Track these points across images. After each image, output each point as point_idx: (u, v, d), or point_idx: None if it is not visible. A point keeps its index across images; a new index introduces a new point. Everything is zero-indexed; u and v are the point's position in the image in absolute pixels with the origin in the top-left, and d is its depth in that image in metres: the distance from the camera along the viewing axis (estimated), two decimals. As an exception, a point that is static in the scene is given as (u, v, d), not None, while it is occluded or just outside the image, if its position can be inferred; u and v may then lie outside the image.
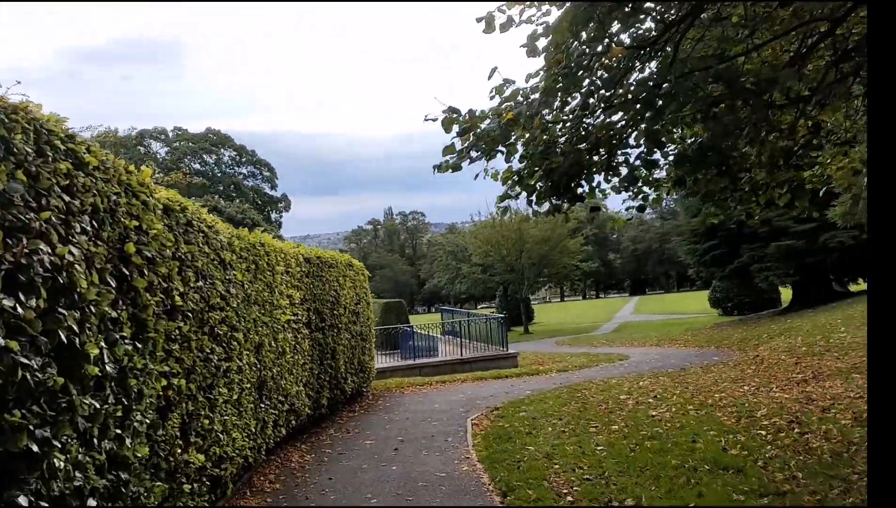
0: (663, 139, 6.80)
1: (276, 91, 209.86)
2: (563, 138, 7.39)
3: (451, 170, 6.68)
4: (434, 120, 6.46)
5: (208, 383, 5.74)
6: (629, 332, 34.63)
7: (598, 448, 8.39)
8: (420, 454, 8.82)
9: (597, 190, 7.85)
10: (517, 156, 7.13)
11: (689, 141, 7.40)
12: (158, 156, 69.23)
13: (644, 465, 7.35)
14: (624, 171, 8.30)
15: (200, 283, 5.58)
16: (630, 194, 9.42)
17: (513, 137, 6.70)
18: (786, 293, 40.51)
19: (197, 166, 71.80)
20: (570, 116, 6.97)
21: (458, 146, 6.56)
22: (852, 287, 27.21)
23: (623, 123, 7.16)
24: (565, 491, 6.71)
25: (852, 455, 7.04)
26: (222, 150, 75.02)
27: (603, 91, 6.86)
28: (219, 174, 74.01)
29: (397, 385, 16.47)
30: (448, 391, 15.20)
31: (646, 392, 12.64)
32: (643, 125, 6.48)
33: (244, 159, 75.78)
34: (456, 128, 6.39)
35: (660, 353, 21.73)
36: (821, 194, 11.09)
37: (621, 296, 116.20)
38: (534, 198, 7.51)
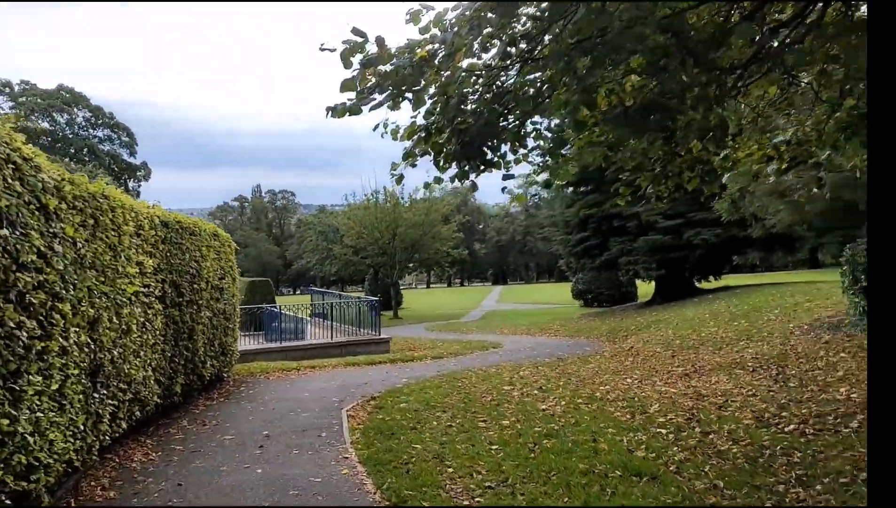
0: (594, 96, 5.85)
1: (149, 55, 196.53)
2: (477, 94, 6.35)
3: (347, 114, 5.41)
4: (332, 51, 5.17)
5: (11, 369, 4.20)
6: (497, 320, 34.40)
7: (493, 447, 7.42)
8: (290, 452, 7.50)
9: (503, 159, 6.89)
10: (424, 108, 5.99)
11: (628, 102, 6.52)
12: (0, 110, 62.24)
13: (549, 469, 6.44)
14: (531, 143, 7.40)
15: (4, 231, 4.03)
16: (538, 165, 8.52)
17: (422, 82, 5.55)
18: (643, 288, 41.93)
19: (46, 125, 65.24)
20: (490, 65, 5.90)
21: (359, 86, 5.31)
22: (704, 284, 28.09)
23: (545, 80, 6.20)
24: (466, 502, 5.66)
25: (768, 460, 6.44)
26: (76, 109, 68.62)
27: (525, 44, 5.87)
28: (70, 136, 67.68)
29: (262, 370, 14.92)
30: (318, 378, 13.86)
31: (529, 383, 11.88)
32: (575, 82, 5.50)
33: (100, 122, 69.72)
34: (358, 59, 5.13)
35: (532, 342, 21.31)
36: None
37: (484, 285, 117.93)
38: (441, 159, 6.41)
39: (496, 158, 6.65)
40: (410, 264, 41.51)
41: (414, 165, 7.21)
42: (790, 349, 11.66)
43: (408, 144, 6.32)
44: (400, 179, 7.39)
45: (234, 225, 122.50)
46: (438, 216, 38.63)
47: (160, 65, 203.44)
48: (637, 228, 23.90)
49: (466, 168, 6.33)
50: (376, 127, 6.22)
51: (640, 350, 14.94)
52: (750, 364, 10.98)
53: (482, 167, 6.45)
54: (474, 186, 6.90)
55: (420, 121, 6.31)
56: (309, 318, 23.71)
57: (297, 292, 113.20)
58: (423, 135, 6.05)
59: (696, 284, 27.13)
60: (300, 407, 10.46)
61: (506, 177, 6.89)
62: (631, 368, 12.95)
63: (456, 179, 6.62)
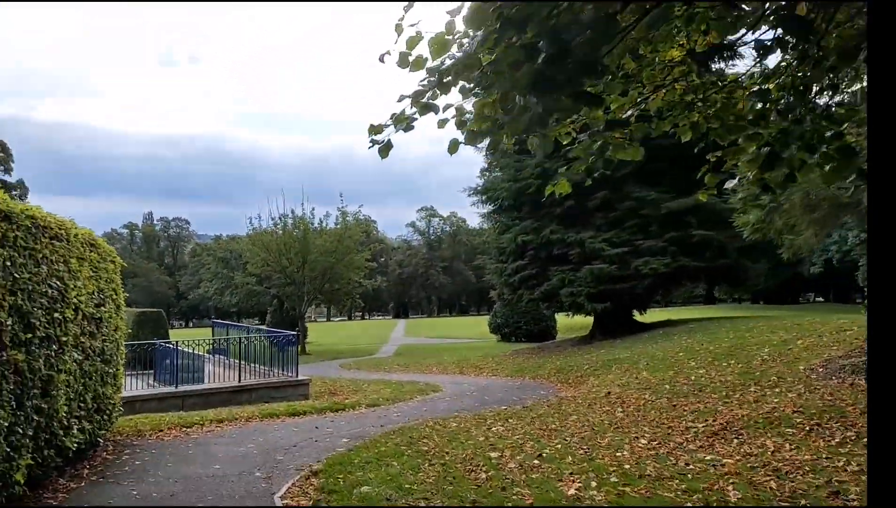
0: None
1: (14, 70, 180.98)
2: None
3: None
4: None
5: None
6: (414, 356, 31.22)
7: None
8: None
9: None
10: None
11: None
12: None
13: None
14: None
15: None
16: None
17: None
18: (564, 322, 40.02)
19: None
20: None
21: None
22: (642, 318, 26.12)
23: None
24: None
25: None
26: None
27: None
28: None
29: (154, 426, 11.26)
30: (230, 437, 10.38)
31: (516, 446, 8.94)
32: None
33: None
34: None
35: (472, 383, 18.39)
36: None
37: (385, 319, 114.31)
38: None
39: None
40: (320, 295, 37.73)
41: (409, 129, 4.76)
42: (824, 398, 9.32)
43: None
44: (386, 149, 4.77)
45: (122, 253, 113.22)
46: (352, 243, 35.18)
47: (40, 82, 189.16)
48: (580, 256, 21.56)
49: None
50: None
51: (622, 397, 12.29)
52: (796, 420, 8.51)
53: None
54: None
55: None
56: (208, 355, 19.85)
57: (191, 325, 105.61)
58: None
59: (637, 317, 25.05)
60: (210, 491, 7.09)
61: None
62: (631, 423, 10.23)
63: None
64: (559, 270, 22.00)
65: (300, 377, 17.35)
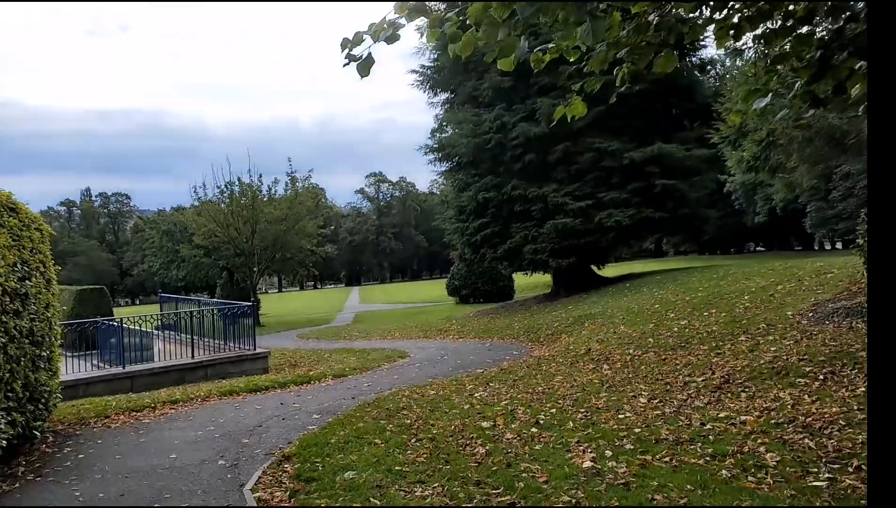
0: None
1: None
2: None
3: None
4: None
5: None
6: (374, 323, 30.31)
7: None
8: None
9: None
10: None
11: None
12: None
13: None
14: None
15: None
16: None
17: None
18: (522, 281, 39.52)
19: None
20: None
21: None
22: (602, 271, 25.65)
23: None
24: None
25: None
26: None
27: None
28: None
29: (99, 411, 10.07)
30: (186, 420, 9.30)
31: (506, 413, 8.12)
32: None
33: None
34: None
35: (438, 346, 17.57)
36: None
37: (338, 287, 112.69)
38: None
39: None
40: (272, 265, 36.26)
41: (393, 40, 3.88)
42: (828, 344, 8.73)
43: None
44: (367, 65, 3.74)
45: (60, 232, 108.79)
46: (303, 210, 33.69)
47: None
48: (542, 212, 20.76)
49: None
50: None
51: (605, 354, 11.59)
52: (805, 369, 7.88)
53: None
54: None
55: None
56: (158, 332, 18.50)
57: (137, 302, 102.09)
58: None
59: (597, 272, 24.51)
60: (167, 487, 6.07)
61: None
62: (623, 381, 9.51)
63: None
64: (522, 226, 21.20)
65: (258, 350, 16.24)
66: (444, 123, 23.83)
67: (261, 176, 33.37)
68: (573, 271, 22.31)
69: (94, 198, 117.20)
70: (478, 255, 22.76)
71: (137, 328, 17.26)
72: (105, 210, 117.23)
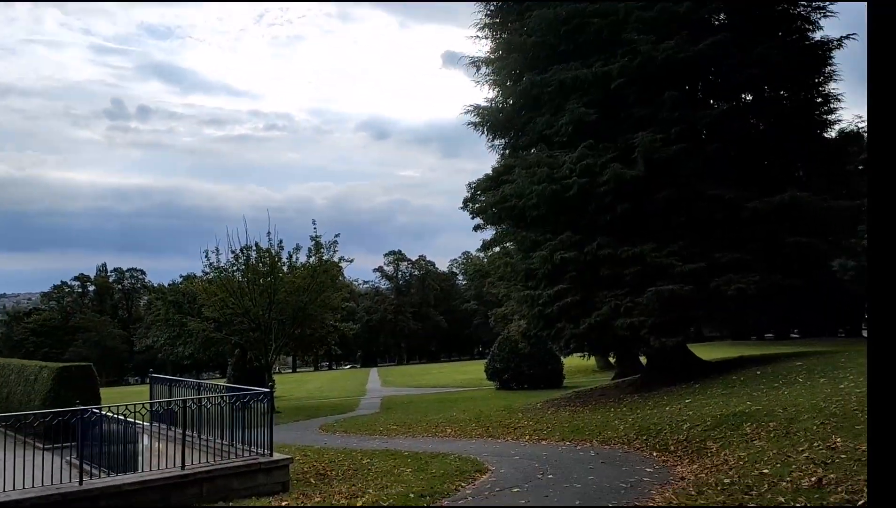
0: None
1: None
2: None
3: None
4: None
5: None
6: (408, 412, 25.17)
7: None
8: None
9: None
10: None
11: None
12: None
13: None
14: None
15: None
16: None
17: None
18: (573, 363, 34.50)
19: None
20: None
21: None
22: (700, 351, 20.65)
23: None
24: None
25: None
26: None
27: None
28: None
29: None
30: None
31: None
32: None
33: None
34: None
35: (523, 453, 12.67)
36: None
37: (354, 368, 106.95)
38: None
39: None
40: (290, 342, 31.52)
41: None
42: None
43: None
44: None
45: (73, 307, 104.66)
46: (328, 279, 29.19)
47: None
48: (638, 276, 16.16)
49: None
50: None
51: (838, 483, 6.80)
52: None
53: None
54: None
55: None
56: (146, 423, 13.67)
57: (147, 381, 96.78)
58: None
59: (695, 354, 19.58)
60: None
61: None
62: None
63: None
64: (610, 295, 16.53)
65: (275, 457, 11.43)
66: (505, 169, 19.47)
67: (281, 241, 29.04)
68: (670, 353, 17.48)
69: (109, 273, 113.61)
70: (552, 331, 17.91)
71: (123, 417, 12.52)
72: (119, 286, 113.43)
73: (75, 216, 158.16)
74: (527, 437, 14.78)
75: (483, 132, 19.71)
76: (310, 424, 23.07)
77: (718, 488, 7.97)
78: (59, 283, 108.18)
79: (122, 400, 15.38)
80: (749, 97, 17.85)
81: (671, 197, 16.16)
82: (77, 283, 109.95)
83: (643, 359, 28.45)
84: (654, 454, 11.53)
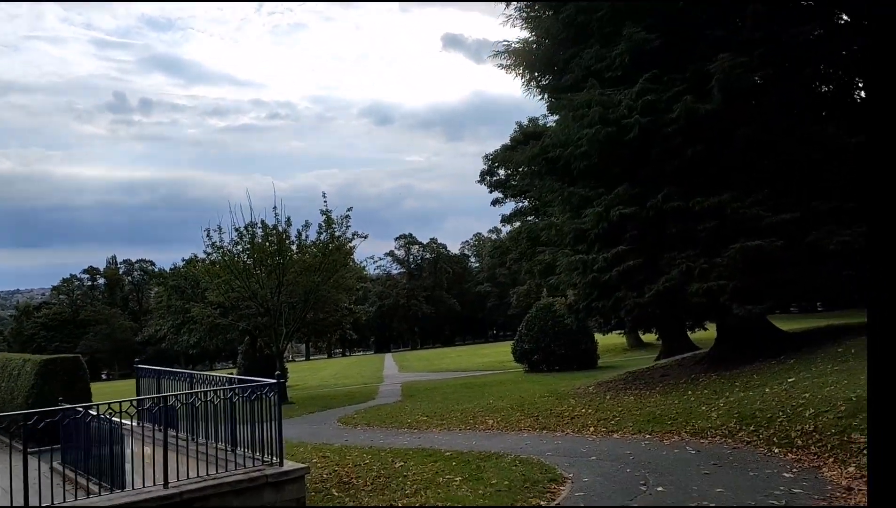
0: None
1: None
2: None
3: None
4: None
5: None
6: (433, 400, 22.46)
7: None
8: None
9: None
10: None
11: None
12: None
13: None
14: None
15: None
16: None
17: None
18: (608, 341, 31.82)
19: None
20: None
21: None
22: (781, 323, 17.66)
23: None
24: None
25: None
26: None
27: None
28: None
29: None
30: None
31: None
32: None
33: None
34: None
35: (599, 452, 10.04)
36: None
37: (367, 354, 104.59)
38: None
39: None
40: (302, 328, 28.91)
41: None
42: None
43: None
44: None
45: (82, 300, 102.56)
46: (341, 257, 26.44)
47: None
48: (714, 233, 13.39)
49: None
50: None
51: None
52: None
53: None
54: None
55: None
56: (134, 424, 11.03)
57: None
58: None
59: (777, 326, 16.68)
60: None
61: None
62: None
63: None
64: (681, 256, 13.74)
65: (287, 466, 8.75)
66: (528, 131, 16.74)
67: (289, 218, 26.19)
68: (752, 324, 14.70)
69: (118, 265, 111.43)
70: (608, 301, 15.08)
71: (108, 417, 9.87)
72: (129, 277, 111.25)
73: (83, 211, 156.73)
74: (591, 429, 12.09)
75: (518, 75, 16.82)
76: (326, 416, 20.46)
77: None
78: (69, 276, 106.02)
79: (116, 395, 13.04)
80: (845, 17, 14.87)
81: (754, 135, 13.32)
82: (86, 276, 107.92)
83: (691, 335, 25.73)
84: (775, 449, 8.86)
